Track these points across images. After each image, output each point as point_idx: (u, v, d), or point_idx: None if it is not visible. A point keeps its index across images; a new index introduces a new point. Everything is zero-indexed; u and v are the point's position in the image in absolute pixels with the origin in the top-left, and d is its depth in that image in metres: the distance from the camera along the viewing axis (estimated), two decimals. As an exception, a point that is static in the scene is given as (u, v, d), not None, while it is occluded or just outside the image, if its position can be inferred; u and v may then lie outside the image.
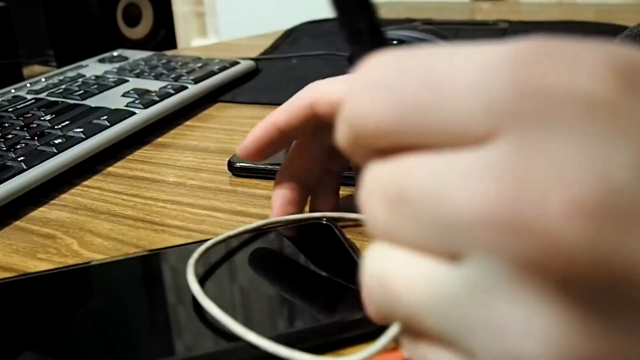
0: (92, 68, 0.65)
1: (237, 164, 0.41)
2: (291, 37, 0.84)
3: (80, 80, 0.60)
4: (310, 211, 0.34)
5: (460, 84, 0.13)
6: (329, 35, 0.83)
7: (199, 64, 0.63)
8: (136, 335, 0.25)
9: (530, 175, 0.12)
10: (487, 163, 0.13)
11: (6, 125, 0.47)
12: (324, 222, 0.32)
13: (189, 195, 0.39)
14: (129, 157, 0.46)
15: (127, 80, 0.59)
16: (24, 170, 0.39)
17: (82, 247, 0.34)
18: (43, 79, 0.61)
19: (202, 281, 0.27)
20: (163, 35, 0.90)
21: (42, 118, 0.48)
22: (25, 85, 0.59)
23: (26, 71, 0.76)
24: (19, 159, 0.40)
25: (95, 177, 0.43)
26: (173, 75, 0.59)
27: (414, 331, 0.16)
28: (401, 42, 0.60)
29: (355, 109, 0.15)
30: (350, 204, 0.36)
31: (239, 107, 0.57)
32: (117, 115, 0.48)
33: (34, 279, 0.28)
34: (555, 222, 0.12)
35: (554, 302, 0.12)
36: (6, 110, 0.51)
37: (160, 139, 0.49)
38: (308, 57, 0.71)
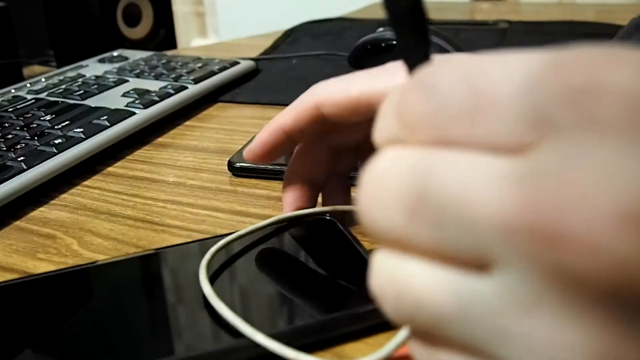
0: (92, 68, 0.65)
1: (237, 164, 0.41)
2: (291, 37, 0.84)
3: (80, 80, 0.60)
4: None
5: (505, 93, 0.13)
6: (329, 35, 0.83)
7: (199, 64, 0.63)
8: (143, 334, 0.25)
9: (576, 181, 0.11)
10: (529, 168, 0.12)
11: (6, 125, 0.47)
12: (328, 217, 0.32)
13: (189, 195, 0.39)
14: (129, 157, 0.46)
15: (127, 80, 0.59)
16: (24, 170, 0.39)
17: (82, 247, 0.34)
18: (43, 79, 0.61)
19: (211, 279, 0.27)
20: (163, 35, 0.90)
21: (42, 118, 0.48)
22: (25, 85, 0.59)
23: (26, 71, 0.76)
24: (19, 159, 0.40)
25: (95, 177, 0.43)
26: (173, 75, 0.59)
27: (432, 338, 0.15)
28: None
29: (404, 102, 0.15)
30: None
31: (239, 107, 0.57)
32: (117, 115, 0.48)
33: (38, 280, 0.28)
34: (602, 231, 0.11)
35: (598, 315, 0.12)
36: (6, 110, 0.51)
37: (160, 139, 0.49)
38: (308, 57, 0.71)
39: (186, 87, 0.56)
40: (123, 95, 0.54)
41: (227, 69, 0.62)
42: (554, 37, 0.76)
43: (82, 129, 0.45)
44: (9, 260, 0.33)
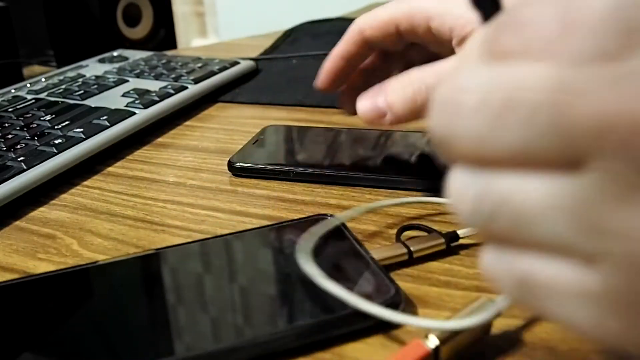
0: (92, 68, 0.65)
1: (237, 164, 0.41)
2: (291, 37, 0.84)
3: (80, 80, 0.60)
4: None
5: (597, 10, 0.13)
6: (329, 35, 0.83)
7: (199, 64, 0.63)
8: (143, 334, 0.25)
9: None
10: (623, 70, 0.13)
11: (6, 125, 0.47)
12: (329, 217, 0.32)
13: (189, 195, 0.39)
14: (129, 157, 0.46)
15: (127, 81, 0.59)
16: (24, 170, 0.39)
17: (82, 247, 0.34)
18: (43, 79, 0.61)
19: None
20: (163, 35, 0.90)
21: (42, 118, 0.48)
22: (25, 85, 0.59)
23: (26, 71, 0.76)
24: (19, 159, 0.40)
25: (95, 177, 0.43)
26: (173, 76, 0.59)
27: (510, 242, 0.15)
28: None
29: (494, 37, 0.15)
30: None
31: (239, 107, 0.57)
32: (117, 116, 0.48)
33: (38, 280, 0.28)
34: None
35: None
36: (6, 110, 0.51)
37: (160, 139, 0.49)
38: (308, 57, 0.71)
39: (186, 87, 0.56)
40: (123, 95, 0.54)
41: (227, 69, 0.62)
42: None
43: (82, 129, 0.45)
44: (9, 260, 0.33)
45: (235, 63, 0.64)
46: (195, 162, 0.44)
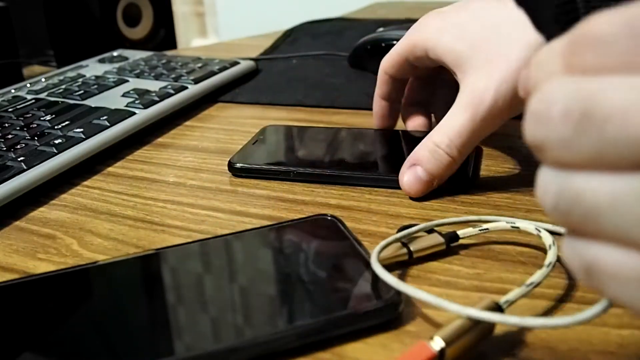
0: (92, 68, 0.65)
1: (237, 164, 0.41)
2: (291, 37, 0.84)
3: (80, 80, 0.60)
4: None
5: None
6: (329, 35, 0.83)
7: (199, 64, 0.63)
8: (143, 334, 0.25)
9: None
10: None
11: (6, 125, 0.48)
12: (328, 217, 0.32)
13: (189, 196, 0.39)
14: (129, 157, 0.46)
15: (127, 81, 0.59)
16: (24, 171, 0.39)
17: (82, 247, 0.34)
18: (43, 79, 0.61)
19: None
20: (163, 35, 0.90)
21: (42, 118, 0.48)
22: (25, 85, 0.59)
23: (26, 71, 0.76)
24: (19, 159, 0.40)
25: (95, 177, 0.43)
26: (173, 76, 0.59)
27: (585, 232, 0.17)
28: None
29: (570, 51, 0.17)
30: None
31: (239, 107, 0.57)
32: (117, 116, 0.48)
33: (38, 280, 0.28)
34: None
35: None
36: (6, 111, 0.51)
37: (160, 139, 0.49)
38: (308, 57, 0.71)
39: (186, 87, 0.56)
40: (123, 96, 0.54)
41: (227, 69, 0.62)
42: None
43: (82, 129, 0.45)
44: (9, 260, 0.33)
45: (235, 63, 0.64)
46: (195, 162, 0.44)
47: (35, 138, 0.44)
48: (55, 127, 0.46)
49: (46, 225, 0.36)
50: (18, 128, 0.47)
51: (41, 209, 0.38)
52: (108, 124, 0.47)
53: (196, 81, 0.58)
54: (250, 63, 0.66)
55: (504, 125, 0.36)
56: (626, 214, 0.16)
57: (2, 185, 0.38)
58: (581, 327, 0.24)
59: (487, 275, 0.29)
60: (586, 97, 0.16)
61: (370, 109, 0.46)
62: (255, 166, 0.40)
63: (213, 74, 0.60)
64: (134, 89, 0.54)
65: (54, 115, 0.49)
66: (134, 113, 0.49)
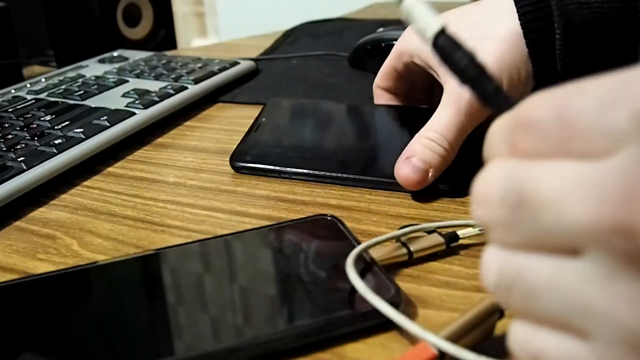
0: (92, 68, 0.65)
1: (239, 163, 0.41)
2: (291, 37, 0.84)
3: (80, 80, 0.60)
4: None
5: (584, 118, 0.16)
6: (329, 35, 0.83)
7: (199, 64, 0.63)
8: (143, 334, 0.25)
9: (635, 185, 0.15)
10: (604, 175, 0.15)
11: (6, 125, 0.47)
12: (328, 217, 0.32)
13: (189, 196, 0.39)
14: (129, 157, 0.46)
15: (127, 81, 0.59)
16: (24, 171, 0.39)
17: (82, 248, 0.34)
18: (43, 79, 0.61)
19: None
20: (163, 35, 0.90)
21: (42, 118, 0.48)
22: (25, 86, 0.59)
23: (26, 71, 0.76)
24: (19, 159, 0.40)
25: (95, 177, 0.43)
26: (173, 76, 0.59)
27: (529, 315, 0.18)
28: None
29: (510, 138, 0.18)
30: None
31: (239, 107, 0.57)
32: (117, 116, 0.48)
33: (38, 280, 0.28)
34: None
35: None
36: (6, 111, 0.51)
37: (160, 139, 0.49)
38: (308, 57, 0.71)
39: (186, 88, 0.56)
40: (123, 96, 0.54)
41: (227, 69, 0.62)
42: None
43: (82, 129, 0.45)
44: (9, 261, 0.33)
45: (235, 63, 0.64)
46: (195, 163, 0.44)
47: (35, 138, 0.44)
48: (55, 127, 0.46)
49: (46, 226, 0.36)
50: (18, 128, 0.47)
51: (41, 209, 0.38)
52: (108, 124, 0.47)
53: (196, 81, 0.58)
54: (250, 63, 0.66)
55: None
56: (565, 296, 0.16)
57: (2, 185, 0.38)
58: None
59: (487, 275, 0.29)
60: (522, 183, 0.17)
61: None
62: (257, 166, 0.40)
63: (213, 74, 0.60)
64: (134, 89, 0.54)
65: (54, 116, 0.49)
66: (134, 113, 0.49)
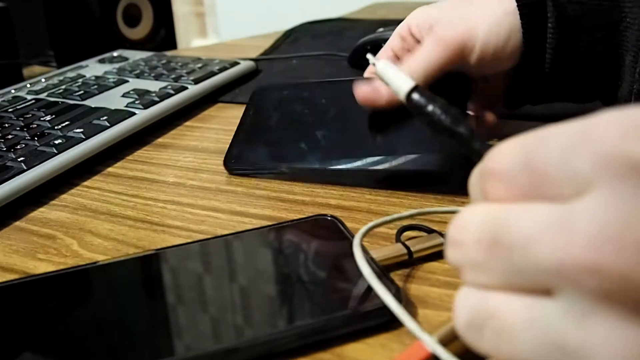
0: (92, 68, 0.65)
1: (234, 168, 0.41)
2: (291, 37, 0.84)
3: (80, 80, 0.60)
4: None
5: (550, 165, 0.17)
6: (329, 35, 0.83)
7: (199, 65, 0.63)
8: (143, 335, 0.25)
9: (609, 226, 0.15)
10: (571, 220, 0.16)
11: (6, 125, 0.48)
12: (328, 217, 0.32)
13: (188, 196, 0.39)
14: (129, 157, 0.46)
15: (127, 81, 0.59)
16: (24, 171, 0.39)
17: (82, 248, 0.34)
18: (43, 79, 0.61)
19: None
20: (163, 35, 0.90)
21: (42, 118, 0.48)
22: (25, 86, 0.59)
23: (26, 71, 0.76)
24: (19, 160, 0.40)
25: (95, 177, 0.43)
26: (173, 76, 0.59)
27: (498, 357, 0.18)
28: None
29: (485, 185, 0.19)
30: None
31: (239, 107, 0.57)
32: (117, 116, 0.48)
33: (38, 280, 0.28)
34: (630, 263, 0.15)
35: (634, 320, 0.15)
36: (6, 111, 0.51)
37: (160, 140, 0.49)
38: (308, 58, 0.71)
39: (186, 88, 0.56)
40: (123, 96, 0.54)
41: (227, 70, 0.62)
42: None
43: (82, 130, 0.45)
44: (9, 261, 0.33)
45: (235, 63, 0.64)
46: (195, 163, 0.44)
47: (35, 138, 0.44)
48: (55, 127, 0.46)
49: (46, 226, 0.36)
50: (18, 128, 0.47)
51: (41, 209, 0.38)
52: (108, 125, 0.47)
53: (196, 81, 0.58)
54: (250, 63, 0.66)
55: (503, 127, 0.36)
56: (540, 335, 0.17)
57: (2, 185, 0.38)
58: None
59: (487, 275, 0.29)
60: (496, 224, 0.18)
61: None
62: (251, 167, 0.40)
63: (213, 74, 0.60)
64: (134, 89, 0.54)
65: (54, 116, 0.49)
66: (134, 113, 0.49)
